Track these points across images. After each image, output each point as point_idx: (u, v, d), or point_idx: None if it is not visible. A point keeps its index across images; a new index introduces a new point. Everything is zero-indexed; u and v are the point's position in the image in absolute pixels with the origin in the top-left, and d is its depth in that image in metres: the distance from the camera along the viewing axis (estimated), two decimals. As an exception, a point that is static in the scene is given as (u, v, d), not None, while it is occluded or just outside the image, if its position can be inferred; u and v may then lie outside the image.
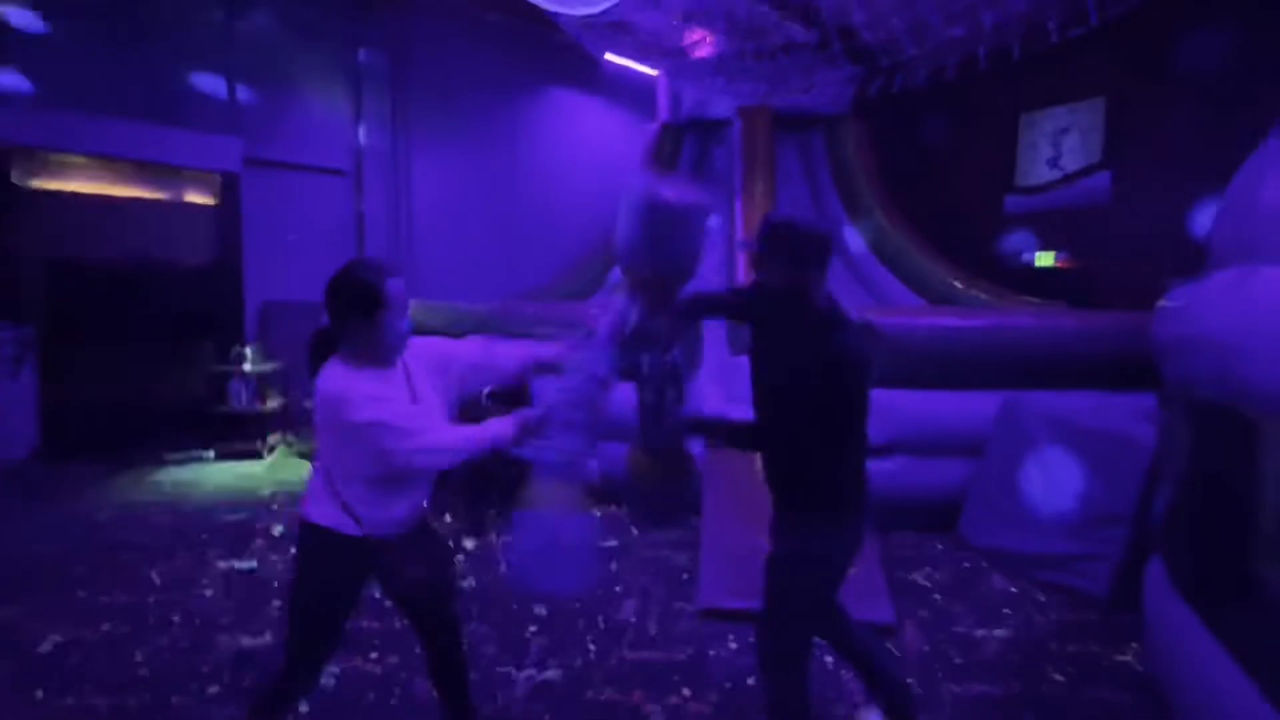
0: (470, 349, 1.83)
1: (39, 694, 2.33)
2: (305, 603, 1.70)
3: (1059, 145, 6.82)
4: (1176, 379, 2.17)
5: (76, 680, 2.40)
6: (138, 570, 3.35)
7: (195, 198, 6.13)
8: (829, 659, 2.44)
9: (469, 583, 3.19)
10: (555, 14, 5.24)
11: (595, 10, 4.67)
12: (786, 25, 5.07)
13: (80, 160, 5.58)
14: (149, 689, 2.36)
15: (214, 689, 2.37)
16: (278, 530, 3.90)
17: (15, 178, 5.30)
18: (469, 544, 3.67)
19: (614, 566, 3.40)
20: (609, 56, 7.04)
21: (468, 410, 2.14)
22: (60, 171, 5.54)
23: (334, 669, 2.41)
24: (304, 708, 2.21)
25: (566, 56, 7.51)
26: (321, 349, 1.64)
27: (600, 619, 2.88)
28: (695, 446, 1.93)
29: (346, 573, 1.66)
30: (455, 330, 4.46)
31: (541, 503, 1.63)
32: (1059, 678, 2.45)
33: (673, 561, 3.45)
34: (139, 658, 2.56)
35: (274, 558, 3.52)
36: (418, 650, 1.89)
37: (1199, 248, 2.23)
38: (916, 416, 3.82)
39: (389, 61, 7.41)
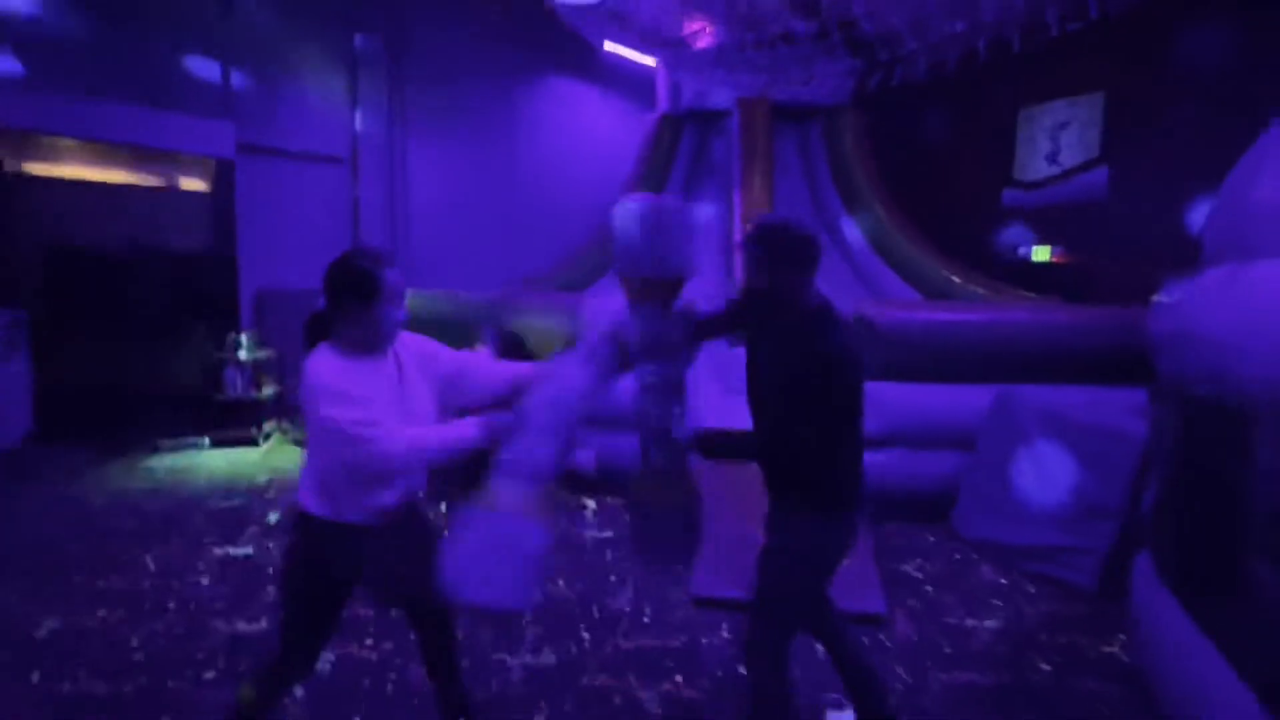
0: (456, 358, 1.80)
1: (35, 678, 2.34)
2: (295, 589, 1.71)
3: (1057, 140, 6.81)
4: (1169, 374, 2.19)
5: (72, 665, 2.41)
6: (133, 556, 3.35)
7: (189, 183, 6.08)
8: (819, 648, 2.47)
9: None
10: (553, 1, 5.19)
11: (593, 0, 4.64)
12: (786, 15, 5.05)
13: (73, 144, 5.52)
14: (145, 673, 2.37)
15: (210, 674, 2.38)
16: (273, 517, 3.91)
17: (7, 162, 5.25)
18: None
19: (609, 556, 3.44)
20: (608, 45, 6.99)
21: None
22: (52, 155, 5.48)
23: (329, 655, 2.43)
24: (299, 693, 2.23)
25: (565, 44, 7.44)
26: (316, 333, 1.65)
27: (595, 607, 2.90)
28: (696, 463, 1.84)
29: (335, 560, 1.66)
30: (453, 319, 4.46)
31: (496, 503, 1.47)
32: (1046, 668, 2.49)
33: (667, 551, 3.47)
34: (135, 643, 2.57)
35: (269, 544, 3.53)
36: (412, 637, 1.91)
37: (1195, 244, 2.24)
38: (911, 410, 3.84)
39: (385, 47, 7.34)
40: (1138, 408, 3.23)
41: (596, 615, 2.84)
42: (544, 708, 2.22)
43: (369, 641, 2.57)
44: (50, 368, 5.32)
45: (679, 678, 2.39)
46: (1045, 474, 3.30)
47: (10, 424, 5.01)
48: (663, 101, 7.35)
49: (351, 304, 1.57)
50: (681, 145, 7.29)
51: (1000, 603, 2.99)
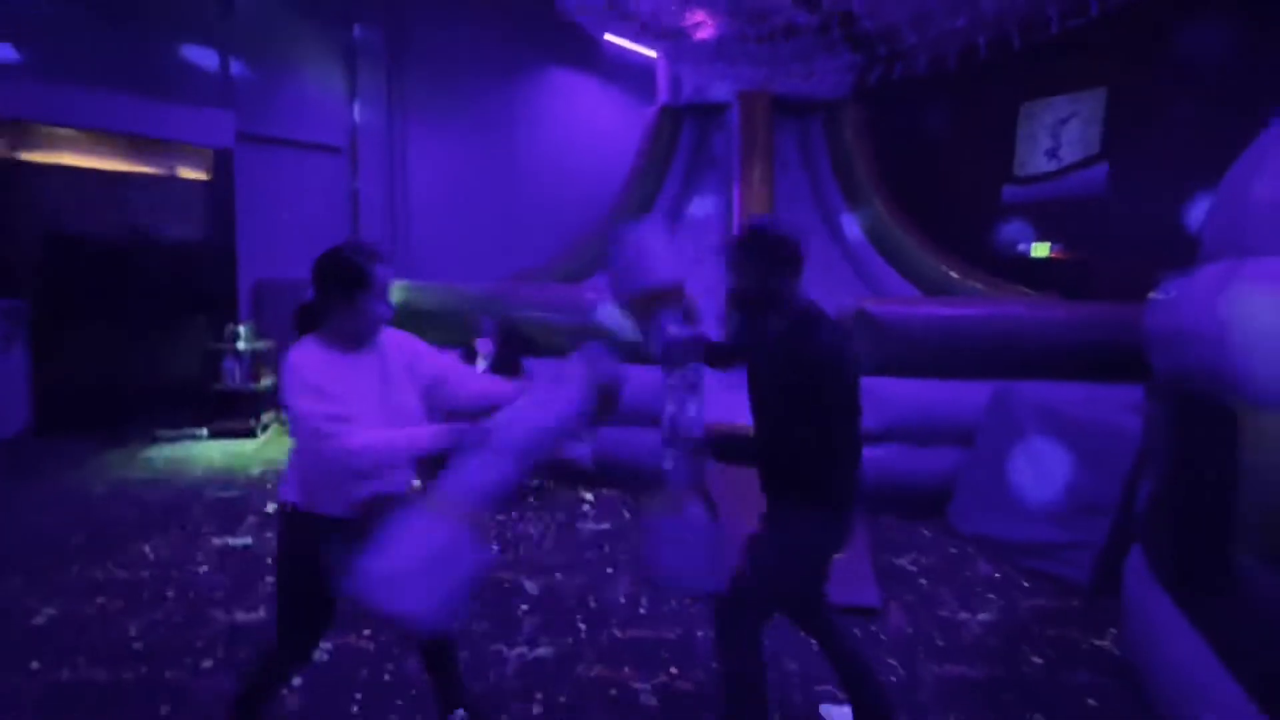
0: (437, 362, 1.78)
1: (34, 666, 2.35)
2: (284, 580, 1.71)
3: (1058, 136, 6.80)
4: (1165, 370, 2.20)
5: (71, 654, 2.43)
6: (131, 546, 3.36)
7: (188, 173, 6.07)
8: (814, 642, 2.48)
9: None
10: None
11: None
12: (788, 8, 5.03)
13: (71, 134, 5.50)
14: (144, 662, 2.39)
15: (208, 663, 2.40)
16: (271, 508, 3.92)
17: (6, 151, 5.23)
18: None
19: (606, 549, 3.45)
20: (608, 37, 6.96)
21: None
22: (51, 145, 5.46)
23: (326, 646, 2.44)
24: (297, 682, 2.24)
25: (565, 36, 7.41)
26: (305, 323, 1.65)
27: (591, 599, 2.92)
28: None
29: (315, 551, 1.64)
30: (452, 310, 4.45)
31: (433, 514, 1.46)
32: (1038, 661, 2.50)
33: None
34: (133, 632, 2.58)
35: (267, 534, 3.54)
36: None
37: (1193, 241, 2.25)
38: (909, 405, 3.85)
39: (384, 38, 7.30)
40: (1135, 404, 3.24)
41: (593, 606, 2.86)
42: (540, 699, 2.23)
43: (366, 632, 2.58)
44: (48, 358, 5.32)
45: (674, 669, 2.41)
46: (1042, 470, 3.31)
47: (9, 414, 5.02)
48: (663, 94, 7.32)
49: (339, 296, 1.57)
50: (682, 138, 7.27)
51: (994, 596, 3.01)
